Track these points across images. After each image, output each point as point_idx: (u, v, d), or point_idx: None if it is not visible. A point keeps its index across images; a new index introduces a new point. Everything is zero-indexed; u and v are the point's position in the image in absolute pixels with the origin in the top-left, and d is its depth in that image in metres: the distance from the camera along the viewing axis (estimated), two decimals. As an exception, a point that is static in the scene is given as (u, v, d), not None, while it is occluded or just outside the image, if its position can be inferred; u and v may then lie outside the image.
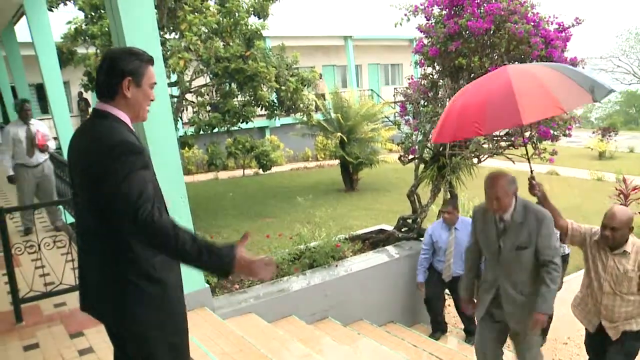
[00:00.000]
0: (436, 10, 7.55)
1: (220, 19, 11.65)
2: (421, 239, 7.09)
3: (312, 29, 24.86)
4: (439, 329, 6.61)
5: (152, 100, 2.33)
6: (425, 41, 7.64)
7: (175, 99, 12.68)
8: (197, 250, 2.01)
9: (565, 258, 5.87)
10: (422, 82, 7.96)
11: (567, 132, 7.17)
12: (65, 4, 11.79)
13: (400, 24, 7.81)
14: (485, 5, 6.92)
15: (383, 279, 6.74)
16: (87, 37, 11.70)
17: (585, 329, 4.27)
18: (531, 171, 4.12)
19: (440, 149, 7.57)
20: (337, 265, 6.53)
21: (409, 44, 25.84)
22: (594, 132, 23.75)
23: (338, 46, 27.10)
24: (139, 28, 4.28)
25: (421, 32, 7.62)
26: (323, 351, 5.12)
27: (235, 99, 12.99)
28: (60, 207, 7.46)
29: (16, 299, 4.61)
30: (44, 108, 16.39)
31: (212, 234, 10.72)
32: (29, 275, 5.03)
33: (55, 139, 8.15)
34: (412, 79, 8.19)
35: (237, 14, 11.72)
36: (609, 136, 22.72)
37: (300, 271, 6.32)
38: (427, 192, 7.88)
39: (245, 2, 12.27)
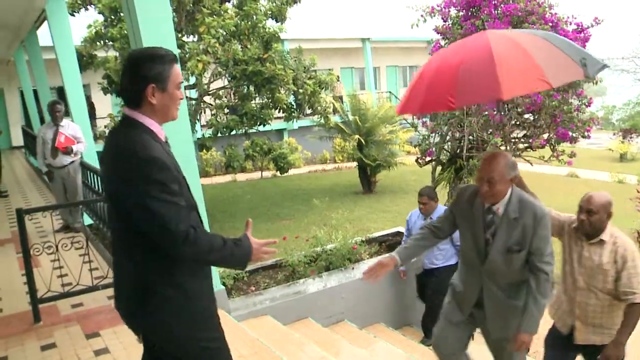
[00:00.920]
0: (453, 11, 7.51)
1: (238, 21, 11.71)
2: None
3: (330, 32, 24.89)
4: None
5: (181, 99, 2.22)
6: (442, 42, 7.60)
7: (194, 102, 12.76)
8: (230, 253, 2.16)
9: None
10: (439, 84, 7.90)
11: (586, 133, 7.08)
12: (87, 9, 11.95)
13: (417, 26, 7.77)
14: (502, 6, 6.87)
15: (400, 282, 6.70)
16: (106, 40, 11.84)
17: (552, 326, 3.86)
18: (506, 148, 3.58)
19: (457, 150, 7.52)
20: (353, 268, 6.51)
21: (427, 45, 25.74)
22: (614, 134, 23.46)
23: (356, 48, 27.08)
24: (156, 29, 4.30)
25: (438, 33, 7.59)
26: (339, 354, 5.09)
27: (253, 102, 13.04)
28: (80, 208, 7.53)
29: (34, 299, 4.66)
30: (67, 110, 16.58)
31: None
32: (48, 276, 5.09)
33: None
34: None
35: (255, 17, 11.78)
36: (631, 138, 22.42)
37: (316, 273, 6.31)
38: (444, 194, 7.83)
39: (263, 5, 12.32)
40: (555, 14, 6.95)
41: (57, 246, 4.87)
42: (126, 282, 2.22)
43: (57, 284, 4.90)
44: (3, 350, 4.20)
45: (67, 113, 8.04)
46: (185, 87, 13.49)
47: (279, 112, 13.27)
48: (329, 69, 18.05)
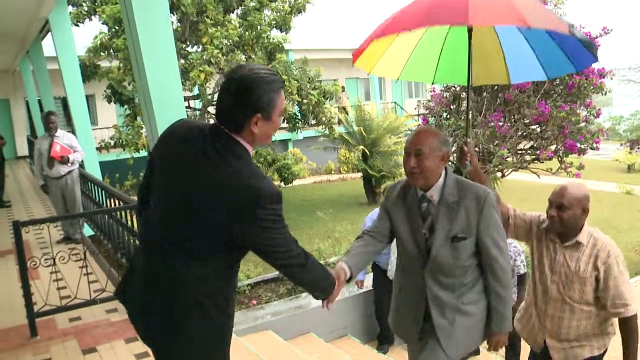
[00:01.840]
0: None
1: (242, 32, 11.69)
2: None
3: (335, 42, 24.89)
4: (387, 340, 6.04)
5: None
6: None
7: (197, 112, 12.73)
8: (331, 283, 2.36)
9: (521, 279, 4.78)
10: (445, 95, 7.84)
11: (594, 145, 6.97)
12: (91, 19, 11.97)
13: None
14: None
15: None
16: (111, 51, 11.85)
17: (530, 348, 3.34)
18: (466, 135, 3.23)
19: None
20: (356, 282, 6.40)
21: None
22: (622, 145, 23.28)
23: (361, 59, 27.04)
24: (156, 40, 4.26)
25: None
26: (341, 370, 4.99)
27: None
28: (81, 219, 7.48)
29: (31, 312, 4.57)
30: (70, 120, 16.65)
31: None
32: (46, 288, 5.01)
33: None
34: (434, 91, 8.07)
35: (259, 27, 11.76)
36: (638, 148, 22.24)
37: (319, 287, 6.20)
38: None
39: (267, 15, 12.30)
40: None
41: (54, 259, 4.79)
42: (167, 294, 2.05)
43: (56, 296, 4.83)
44: (-1, 365, 4.13)
45: (69, 122, 8.05)
46: (189, 98, 13.49)
47: (283, 122, 13.23)
48: (334, 80, 18.02)
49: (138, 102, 11.71)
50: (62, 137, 7.23)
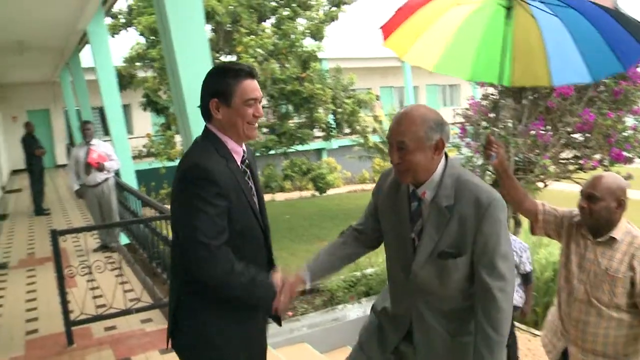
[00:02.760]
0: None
1: (276, 40, 11.71)
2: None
3: (369, 51, 24.83)
4: None
5: (256, 117, 2.09)
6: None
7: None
8: (261, 298, 2.07)
9: (526, 278, 4.40)
10: (483, 103, 7.66)
11: (643, 153, 6.70)
12: (127, 30, 12.17)
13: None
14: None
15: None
16: (146, 61, 12.03)
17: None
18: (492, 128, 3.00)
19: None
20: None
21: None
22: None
23: (395, 67, 26.95)
24: (191, 47, 4.29)
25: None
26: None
27: (292, 121, 13.01)
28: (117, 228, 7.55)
29: (68, 321, 4.58)
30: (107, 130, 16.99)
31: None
32: (83, 297, 5.01)
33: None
34: (472, 99, 7.90)
35: (292, 36, 11.77)
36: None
37: (355, 299, 6.10)
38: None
39: (301, 24, 12.31)
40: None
41: (90, 267, 4.80)
42: (172, 295, 2.20)
43: (92, 305, 4.82)
44: (36, 374, 4.14)
45: (107, 132, 8.16)
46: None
47: (317, 131, 13.20)
48: (368, 88, 17.95)
49: (172, 111, 11.82)
50: (98, 145, 7.35)
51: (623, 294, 2.50)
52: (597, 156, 6.70)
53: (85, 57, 11.21)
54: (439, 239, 1.98)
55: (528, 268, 4.39)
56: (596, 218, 2.56)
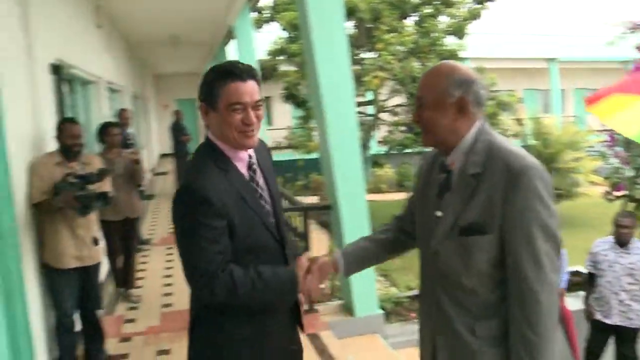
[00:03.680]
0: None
1: (417, 38, 11.55)
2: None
3: (513, 51, 23.75)
4: None
5: (248, 124, 1.80)
6: (647, 62, 6.75)
7: (370, 118, 12.84)
8: (287, 292, 1.87)
9: (592, 278, 4.46)
10: None
11: None
12: (269, 24, 12.65)
13: (614, 43, 7.04)
14: None
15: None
16: (288, 55, 12.41)
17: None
18: None
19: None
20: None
21: (621, 66, 23.51)
22: None
23: (541, 69, 25.54)
24: (330, 43, 4.36)
25: (642, 52, 6.77)
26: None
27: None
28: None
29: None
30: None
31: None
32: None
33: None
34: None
35: (434, 34, 11.55)
36: None
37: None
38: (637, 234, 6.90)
39: (443, 22, 12.05)
40: None
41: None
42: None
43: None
44: (169, 344, 4.41)
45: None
46: (363, 104, 13.66)
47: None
48: (511, 90, 17.19)
49: (311, 104, 12.12)
50: None
51: None
52: None
53: (231, 51, 11.78)
54: (462, 211, 1.69)
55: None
56: None
